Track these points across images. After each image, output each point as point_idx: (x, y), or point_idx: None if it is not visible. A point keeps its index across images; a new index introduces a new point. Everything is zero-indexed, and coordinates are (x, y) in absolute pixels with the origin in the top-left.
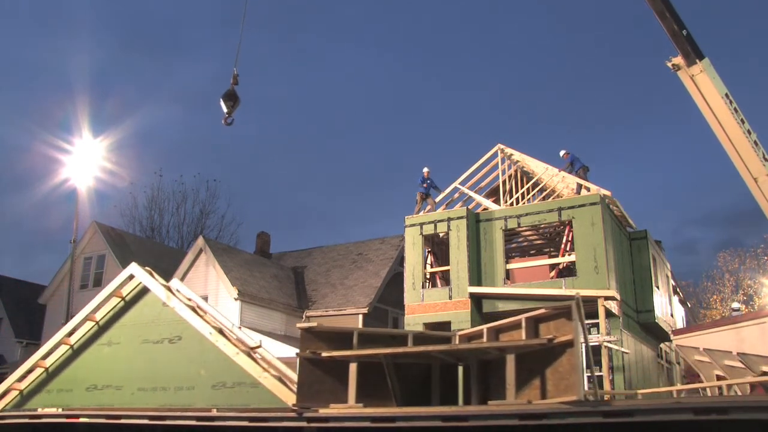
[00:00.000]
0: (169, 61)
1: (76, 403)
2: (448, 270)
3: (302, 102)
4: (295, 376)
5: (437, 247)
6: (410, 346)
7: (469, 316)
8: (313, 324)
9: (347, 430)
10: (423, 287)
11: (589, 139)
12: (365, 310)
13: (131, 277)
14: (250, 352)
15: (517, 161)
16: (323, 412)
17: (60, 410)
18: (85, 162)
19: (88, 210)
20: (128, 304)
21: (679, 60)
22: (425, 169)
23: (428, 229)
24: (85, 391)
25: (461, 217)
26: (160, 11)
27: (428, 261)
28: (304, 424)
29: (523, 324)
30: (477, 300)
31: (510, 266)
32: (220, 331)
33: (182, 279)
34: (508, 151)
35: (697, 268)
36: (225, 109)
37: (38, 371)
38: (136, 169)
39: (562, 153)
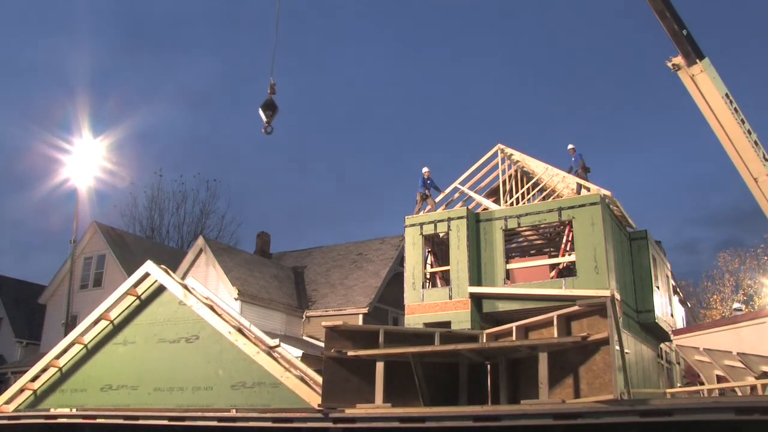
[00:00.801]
0: (170, 60)
1: (90, 403)
2: (448, 270)
3: (302, 102)
4: (316, 376)
5: (437, 247)
6: (439, 345)
7: (469, 316)
8: (339, 323)
9: (375, 431)
10: (423, 287)
11: (590, 139)
12: (365, 310)
13: (146, 275)
14: (270, 351)
15: (517, 161)
16: (349, 412)
17: (75, 410)
18: (85, 162)
19: (88, 210)
20: (144, 303)
21: (679, 60)
22: (425, 170)
23: (428, 229)
24: (99, 391)
25: (461, 217)
26: (161, 10)
27: (428, 261)
28: (330, 424)
29: (555, 321)
30: (477, 300)
31: (510, 266)
32: (239, 330)
33: (182, 279)
34: (508, 151)
35: (697, 268)
36: (264, 119)
37: (51, 371)
38: (136, 169)
39: (570, 146)
